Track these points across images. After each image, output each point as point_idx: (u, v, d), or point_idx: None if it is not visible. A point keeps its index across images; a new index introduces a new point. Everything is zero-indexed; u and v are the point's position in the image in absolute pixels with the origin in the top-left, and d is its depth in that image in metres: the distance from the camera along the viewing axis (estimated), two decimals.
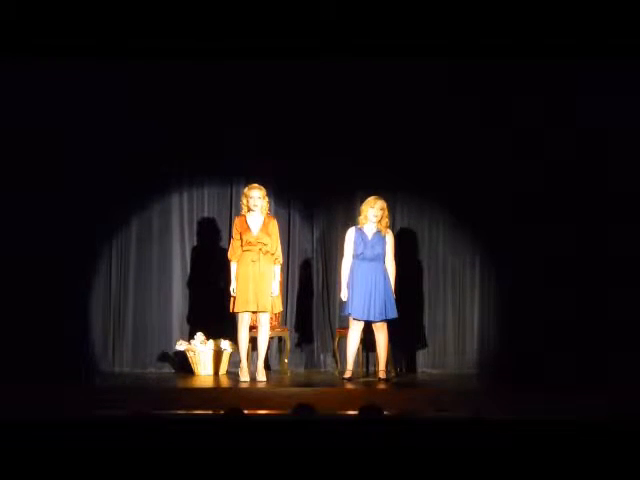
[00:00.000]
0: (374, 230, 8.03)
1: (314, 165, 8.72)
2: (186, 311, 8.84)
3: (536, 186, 8.57)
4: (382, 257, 8.01)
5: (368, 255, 7.98)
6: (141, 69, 8.60)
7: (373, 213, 8.01)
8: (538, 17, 7.77)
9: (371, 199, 8.05)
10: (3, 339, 8.23)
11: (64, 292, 8.49)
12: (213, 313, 8.55)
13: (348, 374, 8.00)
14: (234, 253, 7.95)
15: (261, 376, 7.91)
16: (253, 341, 8.09)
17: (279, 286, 8.04)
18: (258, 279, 7.88)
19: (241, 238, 7.92)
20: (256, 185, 8.01)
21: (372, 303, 7.91)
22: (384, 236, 8.04)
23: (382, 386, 7.85)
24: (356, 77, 8.61)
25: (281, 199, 8.84)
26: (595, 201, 8.52)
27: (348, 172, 8.70)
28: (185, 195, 8.91)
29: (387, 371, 8.11)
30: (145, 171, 8.71)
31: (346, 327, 8.19)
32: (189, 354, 8.38)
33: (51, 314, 8.39)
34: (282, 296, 8.35)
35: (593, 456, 4.21)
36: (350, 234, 8.09)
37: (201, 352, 8.32)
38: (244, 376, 7.91)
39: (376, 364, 8.17)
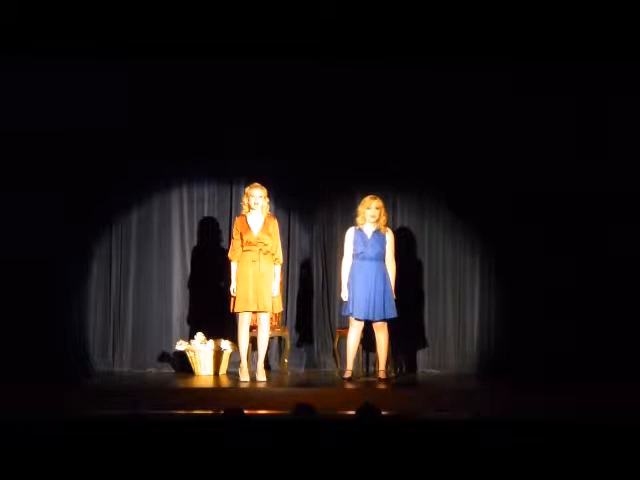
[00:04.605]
0: (373, 229, 8.02)
1: (314, 165, 8.72)
2: (186, 311, 8.84)
3: (536, 186, 8.56)
4: (382, 256, 8.01)
5: (368, 255, 7.97)
6: (141, 69, 8.59)
7: (370, 213, 8.00)
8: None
9: (366, 199, 8.05)
10: (3, 339, 8.23)
11: (64, 292, 8.49)
12: (213, 313, 8.55)
13: (348, 374, 8.00)
14: (234, 253, 7.95)
15: (261, 376, 7.90)
16: (253, 341, 8.09)
17: (279, 286, 8.04)
18: (258, 279, 7.87)
19: (241, 238, 7.91)
20: (258, 184, 8.01)
21: (372, 303, 7.90)
22: (384, 234, 8.03)
23: (382, 386, 7.84)
24: (356, 78, 8.59)
25: (281, 199, 8.83)
26: (596, 201, 8.52)
27: (348, 172, 8.70)
28: (185, 195, 8.91)
29: (387, 371, 8.11)
30: (145, 171, 8.71)
31: (346, 327, 8.18)
32: (189, 354, 8.38)
33: (51, 314, 8.38)
34: (282, 296, 8.35)
35: (592, 456, 4.21)
36: (349, 234, 8.08)
37: (201, 352, 8.31)
38: (244, 376, 7.91)
39: (376, 364, 8.17)
